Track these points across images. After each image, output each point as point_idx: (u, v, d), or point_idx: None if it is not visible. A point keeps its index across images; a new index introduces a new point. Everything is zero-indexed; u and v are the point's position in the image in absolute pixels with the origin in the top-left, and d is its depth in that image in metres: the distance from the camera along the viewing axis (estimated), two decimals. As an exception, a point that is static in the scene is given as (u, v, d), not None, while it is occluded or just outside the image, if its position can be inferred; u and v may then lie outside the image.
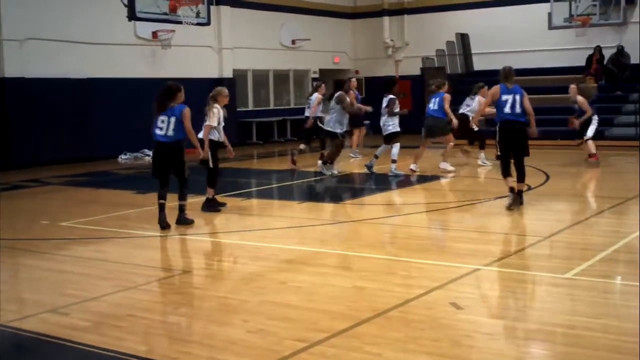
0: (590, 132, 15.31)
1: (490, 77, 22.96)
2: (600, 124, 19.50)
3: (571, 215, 9.73)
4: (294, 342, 5.03)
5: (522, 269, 7.00)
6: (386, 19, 25.96)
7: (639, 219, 9.04)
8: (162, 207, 9.25)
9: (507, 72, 10.27)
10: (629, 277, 6.78)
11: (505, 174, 9.88)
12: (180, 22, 16.17)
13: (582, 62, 21.76)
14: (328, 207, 11.39)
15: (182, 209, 9.45)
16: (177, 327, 5.50)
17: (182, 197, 9.43)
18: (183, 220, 9.42)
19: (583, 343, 4.99)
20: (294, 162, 15.13)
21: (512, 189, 9.85)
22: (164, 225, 9.17)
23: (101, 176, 15.72)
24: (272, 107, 24.05)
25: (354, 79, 17.72)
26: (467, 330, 5.29)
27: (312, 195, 12.96)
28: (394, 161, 13.50)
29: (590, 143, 15.35)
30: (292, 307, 5.90)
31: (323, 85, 16.03)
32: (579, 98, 15.30)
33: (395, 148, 13.67)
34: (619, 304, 6.05)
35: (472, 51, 24.36)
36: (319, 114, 15.26)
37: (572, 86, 15.90)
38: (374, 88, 25.47)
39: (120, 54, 19.16)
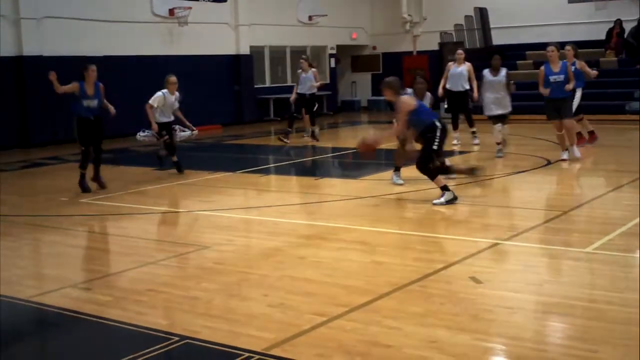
0: (575, 106, 13.27)
1: (510, 52, 22.96)
2: (620, 97, 19.44)
3: (591, 190, 9.67)
4: (314, 316, 5.06)
5: (541, 243, 6.98)
6: (404, -7, 25.73)
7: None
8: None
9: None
10: (650, 251, 6.74)
11: None
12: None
13: (601, 36, 21.49)
14: (345, 183, 11.38)
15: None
16: (197, 301, 5.53)
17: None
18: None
19: (603, 317, 4.98)
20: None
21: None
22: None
23: (119, 153, 15.79)
24: (289, 83, 23.98)
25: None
26: (486, 305, 5.29)
27: (329, 170, 12.95)
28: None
29: (585, 121, 14.00)
30: (312, 281, 5.93)
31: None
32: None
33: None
34: (638, 277, 6.01)
35: (491, 25, 24.11)
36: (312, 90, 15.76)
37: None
38: (391, 64, 25.39)
39: (137, 31, 19.16)
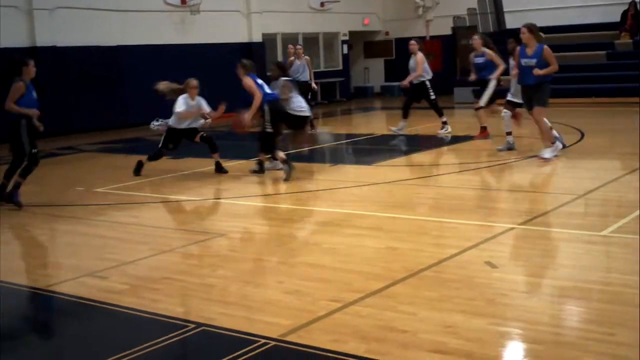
0: (485, 97, 12.94)
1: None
2: (635, 79, 19.25)
3: (606, 173, 9.60)
4: (329, 302, 5.07)
5: (557, 227, 6.95)
6: (416, -22, 25.60)
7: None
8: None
9: None
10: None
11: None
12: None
13: (615, 18, 21.28)
14: (359, 169, 11.37)
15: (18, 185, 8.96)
16: (213, 288, 5.56)
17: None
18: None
19: (619, 300, 4.97)
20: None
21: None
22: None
23: (133, 142, 15.85)
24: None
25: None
26: (502, 289, 5.28)
27: (343, 157, 12.94)
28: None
29: (482, 113, 13.21)
30: (327, 268, 5.94)
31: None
32: (487, 50, 13.16)
33: None
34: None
35: (504, 9, 23.93)
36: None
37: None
38: (404, 49, 25.28)
39: (149, 20, 19.18)
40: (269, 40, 22.64)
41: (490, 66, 12.88)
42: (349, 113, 21.91)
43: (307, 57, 16.13)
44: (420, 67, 13.74)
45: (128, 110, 18.49)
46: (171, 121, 10.84)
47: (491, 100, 12.96)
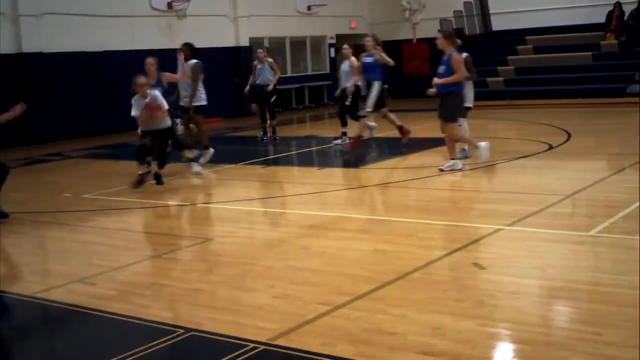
0: (371, 101, 12.65)
1: (509, 37, 22.92)
2: (621, 80, 19.40)
3: (593, 173, 9.65)
4: (318, 305, 5.07)
5: (544, 227, 6.97)
6: (403, -19, 25.63)
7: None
8: None
9: None
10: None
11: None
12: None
13: (601, 19, 21.40)
14: (347, 172, 11.39)
15: None
16: (202, 294, 5.55)
17: None
18: None
19: (608, 300, 4.99)
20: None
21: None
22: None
23: (121, 148, 15.79)
24: (289, 74, 23.96)
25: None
26: (490, 290, 5.30)
27: (331, 160, 12.95)
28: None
29: (389, 115, 12.91)
30: (316, 271, 5.94)
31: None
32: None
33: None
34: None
35: (491, 11, 24.02)
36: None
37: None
38: (392, 52, 25.30)
39: (136, 26, 19.13)
40: (256, 44, 22.62)
41: (377, 68, 12.68)
42: (337, 116, 21.89)
43: (270, 59, 15.74)
44: (358, 71, 13.52)
45: (115, 115, 18.40)
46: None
47: (379, 104, 12.64)
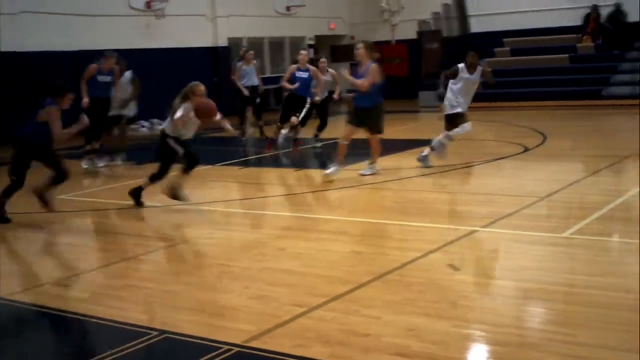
0: (302, 116, 13.01)
1: (487, 39, 23.02)
2: (597, 82, 19.58)
3: (568, 175, 9.73)
4: (294, 307, 5.07)
5: (519, 229, 7.02)
6: (382, -18, 25.69)
7: (638, 176, 9.05)
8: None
9: None
10: (626, 234, 6.82)
11: None
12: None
13: (578, 22, 21.60)
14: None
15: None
16: (178, 295, 5.52)
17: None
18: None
19: (582, 301, 5.03)
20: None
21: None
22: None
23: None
24: (268, 74, 23.92)
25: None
26: (465, 291, 5.33)
27: (308, 162, 12.95)
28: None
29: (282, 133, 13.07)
30: (292, 273, 5.94)
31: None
32: (311, 68, 12.98)
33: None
34: (616, 261, 6.08)
35: (469, 13, 24.16)
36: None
37: (304, 52, 13.65)
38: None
39: (114, 25, 19.01)
40: (234, 44, 22.60)
41: (308, 84, 12.91)
42: (316, 117, 21.87)
43: (255, 61, 15.91)
44: (322, 79, 13.52)
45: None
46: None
47: (304, 121, 13.02)
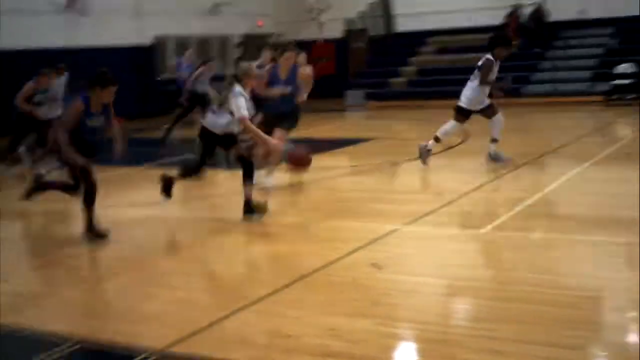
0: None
1: (413, 38, 23.30)
2: (519, 80, 20.08)
3: (489, 172, 9.93)
4: (216, 310, 5.03)
5: (439, 226, 7.13)
6: (309, -20, 25.72)
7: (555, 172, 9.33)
8: None
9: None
10: (545, 229, 7.02)
11: None
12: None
13: (501, 21, 22.04)
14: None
15: None
16: (96, 302, 5.43)
17: None
18: None
19: (500, 297, 5.14)
20: None
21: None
22: None
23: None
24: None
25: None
26: (386, 289, 5.40)
27: (234, 163, 12.86)
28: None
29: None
30: (214, 276, 5.92)
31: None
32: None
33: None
34: (535, 256, 6.21)
35: (394, 12, 24.41)
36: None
37: (267, 50, 12.99)
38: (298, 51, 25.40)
39: (34, 22, 18.51)
40: (160, 42, 22.32)
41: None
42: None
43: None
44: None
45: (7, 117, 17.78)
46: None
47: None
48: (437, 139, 10.49)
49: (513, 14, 21.85)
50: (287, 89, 9.32)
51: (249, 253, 6.54)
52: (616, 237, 6.52)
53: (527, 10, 21.71)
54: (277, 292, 5.38)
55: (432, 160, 10.70)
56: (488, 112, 10.45)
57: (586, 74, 19.73)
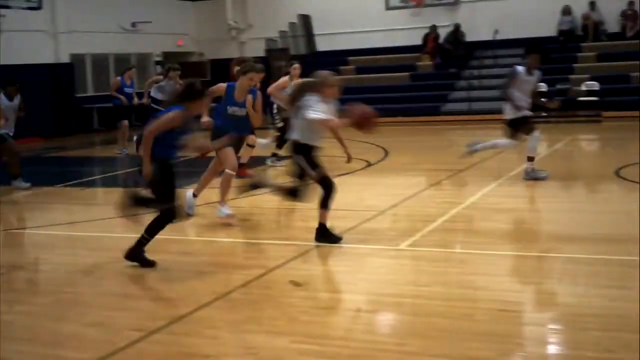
0: None
1: (333, 58, 23.57)
2: (436, 99, 20.58)
3: (407, 189, 10.10)
4: (132, 332, 4.99)
5: (358, 243, 7.22)
6: (228, 0, 25.73)
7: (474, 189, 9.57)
8: None
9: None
10: (458, 245, 7.21)
11: None
12: (9, 7, 15.36)
13: (418, 42, 22.55)
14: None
15: None
16: (10, 325, 5.29)
17: None
18: None
19: (411, 311, 5.29)
20: None
21: None
22: None
23: None
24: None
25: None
26: (304, 307, 5.45)
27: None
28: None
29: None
30: (131, 296, 5.86)
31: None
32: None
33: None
34: (447, 271, 6.38)
35: (315, 32, 24.66)
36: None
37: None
38: (220, 71, 25.36)
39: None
40: (77, 60, 21.93)
41: None
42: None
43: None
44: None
45: None
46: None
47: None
48: (530, 159, 10.32)
49: (430, 35, 22.38)
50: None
51: (168, 273, 6.47)
52: (528, 252, 6.76)
53: (444, 32, 22.24)
54: (195, 311, 5.37)
55: (353, 179, 10.86)
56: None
57: (499, 92, 20.28)
